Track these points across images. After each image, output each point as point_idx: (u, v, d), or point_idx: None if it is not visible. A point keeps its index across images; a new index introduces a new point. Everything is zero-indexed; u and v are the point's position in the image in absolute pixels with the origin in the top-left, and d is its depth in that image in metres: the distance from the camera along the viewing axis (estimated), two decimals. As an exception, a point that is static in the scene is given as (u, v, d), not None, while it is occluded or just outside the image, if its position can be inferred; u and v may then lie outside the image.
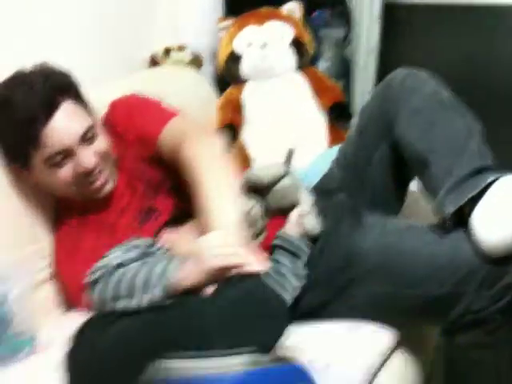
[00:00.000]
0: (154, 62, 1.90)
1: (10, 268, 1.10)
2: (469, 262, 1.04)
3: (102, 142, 1.23)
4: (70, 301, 1.26)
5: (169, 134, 1.25)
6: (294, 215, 1.15)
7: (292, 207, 1.17)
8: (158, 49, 1.90)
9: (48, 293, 1.28)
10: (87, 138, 1.19)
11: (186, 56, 1.91)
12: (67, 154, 1.17)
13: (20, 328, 1.04)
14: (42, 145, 1.14)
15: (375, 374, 1.08)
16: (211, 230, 1.03)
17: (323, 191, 1.35)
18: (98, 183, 1.22)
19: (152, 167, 1.31)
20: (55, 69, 1.21)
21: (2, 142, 1.21)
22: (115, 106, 1.37)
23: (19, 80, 1.17)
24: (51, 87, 1.16)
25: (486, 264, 1.02)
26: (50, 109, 1.14)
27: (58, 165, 1.17)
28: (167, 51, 1.89)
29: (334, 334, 1.13)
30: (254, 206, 1.16)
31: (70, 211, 1.29)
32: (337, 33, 2.09)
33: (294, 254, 1.10)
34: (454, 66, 2.09)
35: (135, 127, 1.30)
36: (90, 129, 1.19)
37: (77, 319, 1.18)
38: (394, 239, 1.17)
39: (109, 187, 1.25)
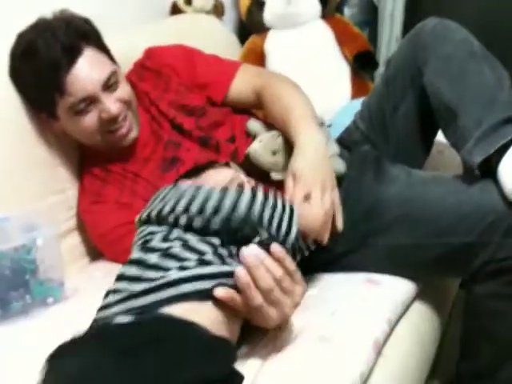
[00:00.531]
0: (175, 9, 1.87)
1: (36, 216, 1.11)
2: (495, 210, 1.03)
3: (124, 89, 1.22)
4: (96, 250, 1.28)
5: (242, 79, 1.35)
6: None
7: None
8: (180, -4, 1.86)
9: (74, 242, 1.30)
10: (110, 84, 1.19)
11: (208, 3, 1.88)
12: (91, 101, 1.16)
13: (48, 275, 1.06)
14: (66, 92, 1.14)
15: (394, 325, 1.09)
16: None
17: (346, 143, 1.35)
18: (123, 130, 1.22)
19: (194, 95, 1.34)
20: (76, 15, 1.21)
21: (28, 90, 1.21)
22: (164, 52, 1.39)
23: (41, 27, 1.17)
24: (73, 34, 1.15)
25: None
26: (72, 55, 1.14)
27: (83, 112, 1.17)
28: (189, -1, 1.86)
29: (353, 283, 1.13)
30: (279, 137, 1.18)
31: (94, 161, 1.29)
32: (363, -22, 2.03)
33: None
34: (484, 14, 2.02)
35: (203, 72, 1.36)
36: (113, 75, 1.19)
37: (103, 268, 1.22)
38: (419, 189, 1.16)
39: (133, 134, 1.25)
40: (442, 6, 2.11)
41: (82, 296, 1.09)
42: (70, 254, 1.26)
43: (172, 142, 1.27)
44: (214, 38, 1.81)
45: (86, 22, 1.21)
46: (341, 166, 1.19)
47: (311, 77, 1.84)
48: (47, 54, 1.12)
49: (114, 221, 1.20)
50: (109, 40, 1.26)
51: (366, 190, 1.18)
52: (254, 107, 1.38)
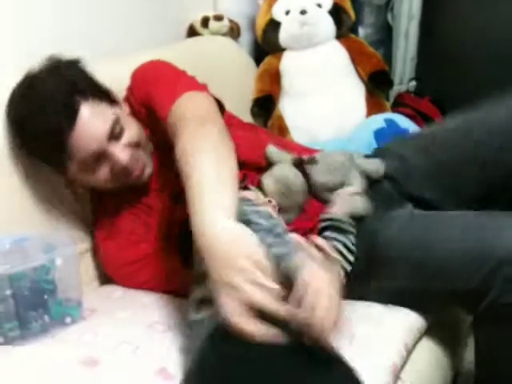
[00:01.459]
0: (192, 31, 1.90)
1: (54, 236, 1.12)
2: (497, 257, 1.01)
3: (131, 132, 1.17)
4: (108, 277, 1.27)
5: (172, 115, 1.11)
6: (344, 192, 1.13)
7: (339, 185, 1.15)
8: (196, 18, 1.89)
9: (87, 264, 1.29)
10: (115, 134, 1.14)
11: (224, 25, 1.90)
12: (99, 156, 1.13)
13: (66, 295, 1.07)
14: (73, 154, 1.10)
15: (411, 349, 1.09)
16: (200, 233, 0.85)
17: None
18: (137, 172, 1.18)
19: None
20: (65, 62, 1.15)
21: (35, 153, 1.17)
22: (134, 73, 1.29)
23: (33, 91, 1.11)
24: (67, 92, 1.09)
25: None
26: (71, 117, 1.08)
27: (94, 168, 1.14)
28: (205, 20, 1.88)
29: (372, 310, 1.14)
30: (297, 177, 1.14)
31: (107, 192, 1.25)
32: (378, -2, 2.05)
33: (345, 232, 1.09)
34: (497, 34, 2.02)
35: (147, 96, 1.21)
36: (116, 124, 1.14)
37: (121, 288, 1.22)
38: (420, 230, 1.15)
39: (148, 171, 1.22)
40: (456, 26, 2.11)
41: (100, 316, 1.10)
42: (83, 275, 1.24)
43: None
44: (230, 59, 1.84)
45: (77, 69, 1.16)
46: (365, 206, 1.14)
47: (326, 96, 1.86)
48: (45, 122, 1.08)
49: (129, 256, 1.19)
50: (124, 63, 1.27)
51: (369, 227, 1.16)
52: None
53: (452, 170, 1.25)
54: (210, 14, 1.89)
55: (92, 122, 1.10)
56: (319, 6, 1.86)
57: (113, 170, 1.16)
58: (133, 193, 1.24)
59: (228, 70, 1.70)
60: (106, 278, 1.29)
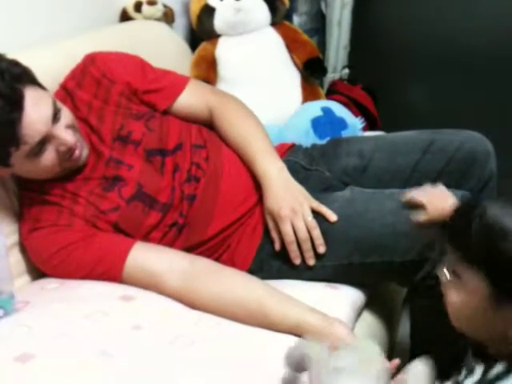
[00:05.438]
0: (125, 16, 1.86)
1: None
2: (432, 230, 1.07)
3: (66, 114, 1.20)
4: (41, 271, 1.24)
5: (194, 92, 1.39)
6: None
7: None
8: (129, 2, 1.85)
9: (17, 258, 1.24)
10: (57, 116, 1.16)
11: (158, 10, 1.87)
12: (46, 139, 1.14)
13: (-2, 288, 1.04)
14: (22, 142, 1.10)
15: (352, 327, 1.12)
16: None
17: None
18: (77, 152, 1.20)
19: (136, 105, 1.34)
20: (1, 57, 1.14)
21: None
22: (109, 57, 1.36)
23: None
24: (10, 81, 1.09)
25: None
26: (18, 106, 1.09)
27: (39, 153, 1.14)
28: (138, 5, 1.84)
29: (315, 288, 1.18)
30: None
31: (31, 183, 1.24)
32: (311, -14, 2.07)
33: None
34: (428, 21, 2.09)
35: (152, 79, 1.37)
36: (55, 105, 1.16)
37: (56, 280, 1.19)
38: (359, 207, 1.22)
39: (85, 153, 1.23)
40: (388, 15, 2.16)
41: (34, 308, 1.07)
42: (13, 269, 1.20)
43: (113, 159, 1.25)
44: (165, 44, 1.81)
45: (13, 60, 1.15)
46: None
47: (262, 83, 1.86)
48: None
49: (55, 245, 1.17)
50: (54, 48, 1.24)
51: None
52: (206, 122, 1.39)
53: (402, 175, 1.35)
54: (144, -2, 1.85)
55: (37, 106, 1.12)
56: (254, -8, 1.86)
57: (59, 152, 1.16)
58: (58, 181, 1.23)
59: (163, 55, 1.67)
60: (38, 273, 1.24)
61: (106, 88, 1.32)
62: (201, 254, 1.22)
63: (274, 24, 1.91)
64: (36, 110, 1.12)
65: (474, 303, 0.72)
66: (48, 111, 1.14)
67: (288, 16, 2.01)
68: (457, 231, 0.76)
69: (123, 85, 1.33)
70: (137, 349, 0.97)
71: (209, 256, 1.22)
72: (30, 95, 1.11)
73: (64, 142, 1.16)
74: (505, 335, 0.70)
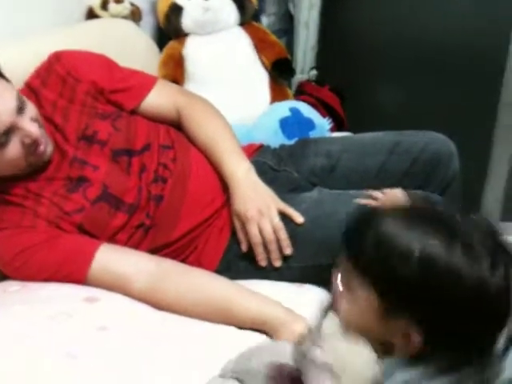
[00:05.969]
0: (91, 14, 1.83)
1: None
2: None
3: (31, 107, 1.19)
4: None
5: (163, 93, 1.39)
6: None
7: None
8: (95, 0, 1.82)
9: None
10: (21, 107, 1.15)
11: (125, 8, 1.85)
12: (10, 130, 1.13)
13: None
14: None
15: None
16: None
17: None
18: (42, 147, 1.18)
19: (101, 104, 1.33)
20: None
21: None
22: (75, 55, 1.36)
23: None
24: None
25: None
26: None
27: (4, 144, 1.13)
28: (104, 3, 1.82)
29: (281, 288, 1.18)
30: None
31: None
32: (280, -13, 2.07)
33: None
34: (397, 22, 2.11)
35: (119, 78, 1.37)
36: (19, 97, 1.16)
37: (13, 285, 1.16)
38: (322, 210, 1.23)
39: (50, 147, 1.22)
40: (358, 15, 2.18)
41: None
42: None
43: (77, 159, 1.24)
44: (132, 43, 1.78)
45: None
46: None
47: (231, 82, 1.86)
48: None
49: (17, 247, 1.15)
50: (20, 46, 1.22)
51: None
52: (174, 122, 1.38)
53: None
54: (110, -4, 1.83)
55: (1, 98, 1.12)
56: (222, -9, 1.86)
57: (24, 144, 1.15)
58: (21, 181, 1.21)
59: (130, 54, 1.66)
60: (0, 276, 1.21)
61: (71, 87, 1.31)
62: (167, 255, 1.22)
63: (242, 24, 1.91)
64: (0, 102, 1.11)
65: (363, 313, 0.73)
66: (12, 102, 1.13)
67: (257, 16, 2.01)
68: (352, 240, 0.76)
69: (89, 84, 1.32)
70: (102, 350, 0.96)
71: (175, 257, 1.22)
72: None
73: (29, 134, 1.15)
74: (390, 343, 0.72)
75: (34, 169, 1.21)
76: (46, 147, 1.20)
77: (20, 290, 1.12)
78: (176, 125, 1.38)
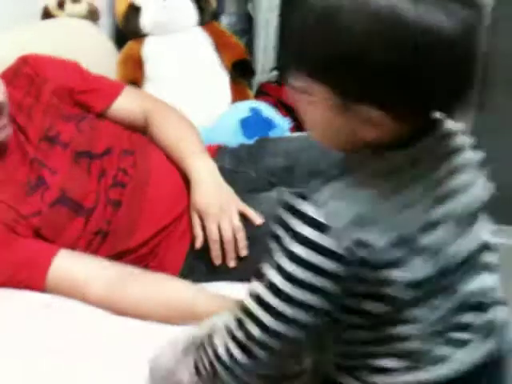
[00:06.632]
0: (47, 14, 1.80)
1: None
2: None
3: None
4: None
5: (130, 98, 1.40)
6: None
7: None
8: (51, 0, 1.79)
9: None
10: None
11: (82, 8, 1.82)
12: None
13: None
14: None
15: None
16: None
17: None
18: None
19: (68, 106, 1.32)
20: None
21: None
22: (44, 59, 1.35)
23: None
24: None
25: None
26: None
27: None
28: (61, 3, 1.79)
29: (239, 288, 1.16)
30: None
31: None
32: (238, -13, 2.08)
33: None
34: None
35: (88, 81, 1.37)
36: None
37: None
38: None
39: (8, 131, 1.19)
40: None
41: None
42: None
43: (37, 160, 1.21)
44: (90, 43, 1.76)
45: None
46: None
47: (191, 83, 1.85)
48: None
49: None
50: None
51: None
52: (140, 128, 1.38)
53: None
54: (67, -5, 1.80)
55: None
56: (180, -9, 1.85)
57: None
58: None
59: (88, 54, 1.63)
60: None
61: (38, 86, 1.29)
62: (128, 263, 1.19)
63: (202, 24, 1.90)
64: None
65: (324, 114, 0.70)
66: None
67: (216, 17, 2.01)
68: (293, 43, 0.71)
69: (57, 83, 1.31)
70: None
71: (136, 265, 1.20)
72: None
73: None
74: (354, 138, 0.69)
75: None
76: (4, 128, 1.17)
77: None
78: (141, 130, 1.38)
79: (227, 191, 1.24)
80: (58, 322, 1.03)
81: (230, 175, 1.35)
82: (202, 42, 1.89)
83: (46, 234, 1.16)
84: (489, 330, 0.76)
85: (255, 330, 0.70)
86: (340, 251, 0.65)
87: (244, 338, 0.71)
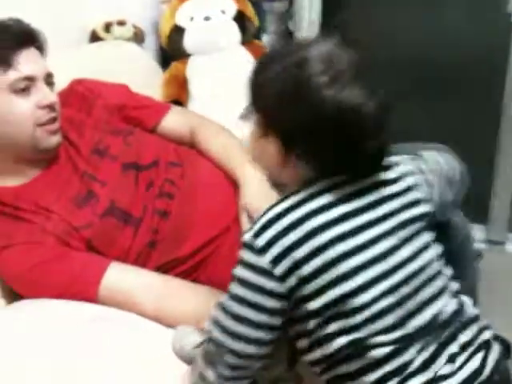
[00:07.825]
0: (94, 37, 1.86)
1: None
2: None
3: (55, 95, 1.24)
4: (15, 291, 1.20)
5: (178, 116, 1.46)
6: None
7: None
8: (99, 24, 1.85)
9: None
10: (49, 81, 1.22)
11: (128, 31, 1.87)
12: (32, 82, 1.18)
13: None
14: (12, 67, 1.17)
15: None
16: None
17: None
18: (54, 126, 1.22)
19: (118, 120, 1.38)
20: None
21: None
22: (99, 82, 1.43)
23: None
24: (25, 30, 1.23)
25: None
26: (22, 41, 1.20)
27: (21, 93, 1.18)
28: (107, 26, 1.85)
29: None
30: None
31: (3, 195, 1.22)
32: (279, 6, 2.09)
33: None
34: (396, 40, 2.12)
35: (139, 99, 1.46)
36: (51, 75, 1.23)
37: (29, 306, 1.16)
38: None
39: (59, 137, 1.24)
40: (356, 31, 2.19)
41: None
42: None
43: (87, 174, 1.25)
44: (136, 64, 1.81)
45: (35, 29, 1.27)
46: None
47: (233, 102, 1.87)
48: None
49: (27, 263, 1.14)
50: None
51: None
52: (186, 143, 1.42)
53: None
54: (113, 19, 1.86)
55: (39, 57, 1.24)
56: (223, 12, 1.89)
57: (38, 105, 1.20)
58: (31, 196, 1.21)
59: (133, 75, 1.67)
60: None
61: (90, 101, 1.36)
62: (178, 275, 1.21)
63: (244, 43, 1.93)
64: (36, 57, 1.23)
65: (269, 158, 0.88)
66: (46, 67, 1.23)
67: (258, 35, 2.04)
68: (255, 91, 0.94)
69: (108, 99, 1.38)
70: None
71: (186, 278, 1.21)
72: (36, 51, 1.24)
73: (47, 96, 1.20)
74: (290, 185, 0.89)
75: (37, 158, 1.23)
76: (58, 132, 1.23)
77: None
78: (187, 145, 1.42)
79: (276, 196, 1.23)
80: (109, 333, 1.05)
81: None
82: (244, 61, 1.91)
83: (97, 245, 1.18)
84: None
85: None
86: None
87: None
